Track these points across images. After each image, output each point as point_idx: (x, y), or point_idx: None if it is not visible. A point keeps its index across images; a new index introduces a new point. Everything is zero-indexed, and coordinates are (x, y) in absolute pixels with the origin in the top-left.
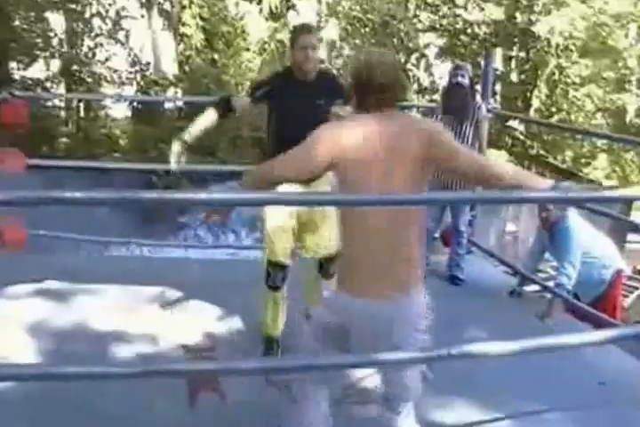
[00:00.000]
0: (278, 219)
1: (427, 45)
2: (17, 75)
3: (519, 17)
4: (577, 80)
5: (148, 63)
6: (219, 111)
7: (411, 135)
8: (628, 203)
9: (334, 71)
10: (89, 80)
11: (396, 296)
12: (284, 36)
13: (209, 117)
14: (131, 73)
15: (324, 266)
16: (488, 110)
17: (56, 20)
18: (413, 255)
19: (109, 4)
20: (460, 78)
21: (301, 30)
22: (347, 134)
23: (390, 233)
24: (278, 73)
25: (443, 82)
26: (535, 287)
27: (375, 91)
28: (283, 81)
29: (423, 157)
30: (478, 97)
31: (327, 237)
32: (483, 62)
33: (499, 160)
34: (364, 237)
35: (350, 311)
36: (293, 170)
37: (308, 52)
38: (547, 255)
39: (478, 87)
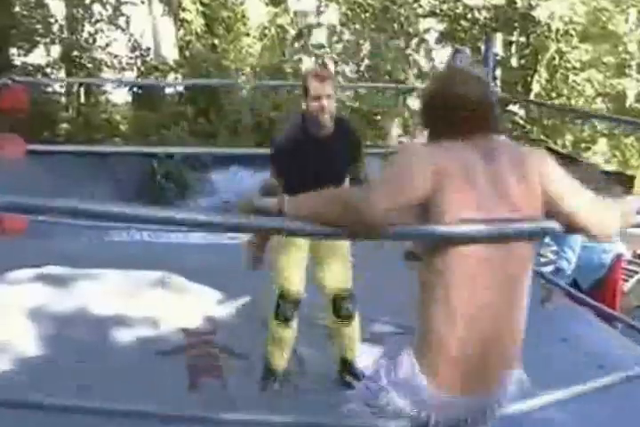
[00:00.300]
0: (285, 251)
1: (427, 30)
2: (17, 61)
3: (519, 2)
4: (577, 65)
5: (149, 49)
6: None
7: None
8: (627, 187)
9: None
10: (89, 66)
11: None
12: (284, 20)
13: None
14: (131, 58)
15: (339, 305)
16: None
17: (56, 6)
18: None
19: None
20: (458, 63)
21: (315, 78)
22: None
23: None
24: (291, 130)
25: (443, 67)
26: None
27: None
28: (295, 141)
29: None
30: None
31: (341, 273)
32: (483, 47)
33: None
34: (473, 312)
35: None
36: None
37: (323, 103)
38: (547, 239)
39: None
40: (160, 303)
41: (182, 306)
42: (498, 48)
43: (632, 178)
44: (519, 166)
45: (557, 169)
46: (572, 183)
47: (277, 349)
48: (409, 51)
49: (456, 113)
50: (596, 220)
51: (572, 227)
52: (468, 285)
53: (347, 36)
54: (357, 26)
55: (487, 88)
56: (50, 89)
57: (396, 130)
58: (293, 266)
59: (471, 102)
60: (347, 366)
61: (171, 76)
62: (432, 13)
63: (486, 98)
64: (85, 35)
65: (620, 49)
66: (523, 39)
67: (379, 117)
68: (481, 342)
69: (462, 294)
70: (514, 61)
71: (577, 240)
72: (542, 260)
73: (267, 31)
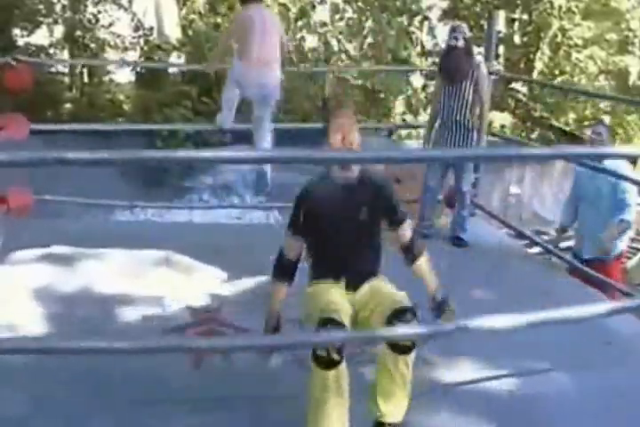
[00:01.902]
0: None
1: (430, 8)
2: (20, 41)
3: None
4: (580, 42)
5: (152, 28)
6: (287, 280)
7: None
8: (632, 162)
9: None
10: (92, 46)
11: None
12: None
13: (279, 294)
14: (134, 38)
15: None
16: (491, 72)
17: None
18: None
19: None
20: (453, 41)
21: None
22: None
23: None
24: (314, 181)
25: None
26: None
27: None
28: (318, 187)
29: None
30: (480, 57)
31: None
32: (486, 25)
33: None
34: None
35: None
36: None
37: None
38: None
39: (482, 50)
40: (165, 282)
41: (187, 284)
42: (500, 25)
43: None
44: None
45: None
46: None
47: (326, 419)
48: (412, 28)
49: None
50: None
51: None
52: None
53: (349, 13)
54: (360, 3)
55: None
56: (53, 69)
57: (399, 108)
58: (327, 292)
59: None
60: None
61: (174, 55)
62: None
63: None
64: (88, 14)
65: (623, 26)
66: (525, 16)
67: (382, 95)
68: None
69: None
70: (516, 39)
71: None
72: (545, 237)
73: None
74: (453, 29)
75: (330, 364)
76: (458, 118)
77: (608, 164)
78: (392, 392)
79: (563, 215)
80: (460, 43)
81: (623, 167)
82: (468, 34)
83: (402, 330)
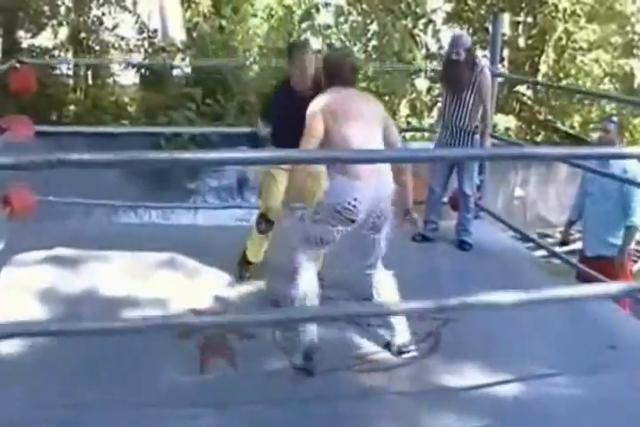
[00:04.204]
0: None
1: (434, 10)
2: (25, 43)
3: None
4: (584, 45)
5: (156, 30)
6: None
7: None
8: None
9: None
10: (97, 48)
11: None
12: (291, 1)
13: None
14: (138, 40)
15: None
16: (495, 75)
17: None
18: None
19: None
20: (454, 56)
21: (298, 50)
22: None
23: None
24: (279, 88)
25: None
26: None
27: None
28: (282, 97)
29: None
30: (484, 61)
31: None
32: (491, 28)
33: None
34: None
35: None
36: None
37: (305, 72)
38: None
39: (486, 52)
40: (169, 284)
41: (192, 287)
42: (505, 28)
43: None
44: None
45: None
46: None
47: (256, 246)
48: (416, 31)
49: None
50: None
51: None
52: None
53: (354, 16)
54: (365, 6)
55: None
56: (58, 71)
57: (403, 110)
58: (275, 188)
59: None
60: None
61: (178, 58)
62: None
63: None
64: (92, 17)
65: (628, 29)
66: (530, 19)
67: (387, 98)
68: None
69: None
70: (521, 42)
71: None
72: (550, 240)
73: (273, 12)
74: (454, 42)
75: (262, 232)
76: (460, 124)
77: (616, 162)
78: None
79: (572, 209)
80: (462, 56)
81: (633, 168)
82: (469, 44)
83: (410, 305)
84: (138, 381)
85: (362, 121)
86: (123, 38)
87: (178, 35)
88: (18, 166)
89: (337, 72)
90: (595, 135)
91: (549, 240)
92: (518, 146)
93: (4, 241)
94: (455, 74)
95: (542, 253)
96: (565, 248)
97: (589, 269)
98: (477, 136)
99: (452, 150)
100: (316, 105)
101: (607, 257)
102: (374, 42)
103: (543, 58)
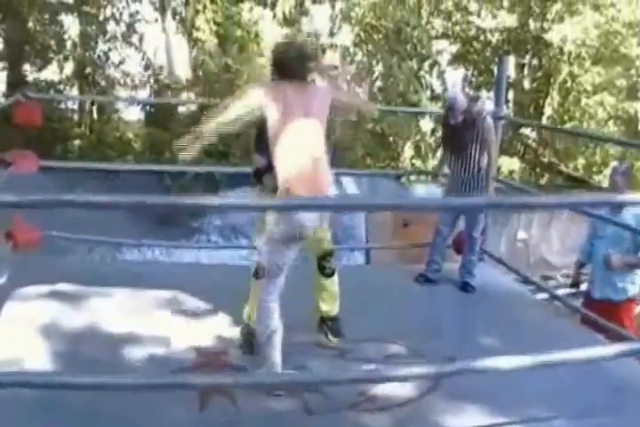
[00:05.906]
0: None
1: (439, 52)
2: (31, 77)
3: (532, 24)
4: (589, 88)
5: (162, 67)
6: None
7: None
8: None
9: None
10: (102, 83)
11: None
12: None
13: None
14: (144, 76)
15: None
16: (500, 117)
17: (70, 23)
18: None
19: (123, 8)
20: (452, 121)
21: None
22: None
23: None
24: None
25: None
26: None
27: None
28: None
29: None
30: (488, 104)
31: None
32: (496, 70)
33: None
34: None
35: None
36: None
37: None
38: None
39: (491, 94)
40: (171, 322)
41: (193, 325)
42: (510, 70)
43: None
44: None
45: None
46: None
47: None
48: (421, 72)
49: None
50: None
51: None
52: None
53: (359, 56)
54: (370, 47)
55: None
56: (63, 106)
57: (408, 151)
58: None
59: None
60: (326, 320)
61: (183, 95)
62: (444, 35)
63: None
64: (99, 52)
65: (633, 72)
66: (535, 62)
67: (391, 139)
68: None
69: None
70: (526, 84)
71: None
72: (552, 283)
73: None
74: (450, 106)
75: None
76: (467, 175)
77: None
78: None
79: (581, 250)
80: (459, 120)
81: None
82: (465, 105)
83: (406, 370)
84: (137, 418)
85: (304, 117)
86: (128, 75)
87: (183, 72)
88: (21, 205)
89: (284, 64)
90: (597, 178)
91: (552, 282)
92: (522, 191)
93: (6, 275)
94: (455, 138)
95: (545, 295)
96: (575, 289)
97: (595, 310)
98: (484, 182)
99: (452, 200)
100: (261, 89)
101: (614, 300)
102: (379, 83)
103: (548, 100)
